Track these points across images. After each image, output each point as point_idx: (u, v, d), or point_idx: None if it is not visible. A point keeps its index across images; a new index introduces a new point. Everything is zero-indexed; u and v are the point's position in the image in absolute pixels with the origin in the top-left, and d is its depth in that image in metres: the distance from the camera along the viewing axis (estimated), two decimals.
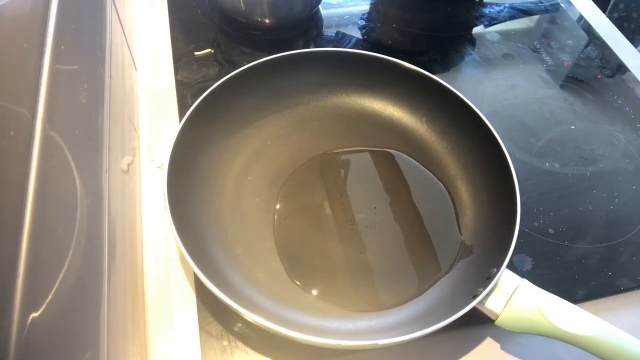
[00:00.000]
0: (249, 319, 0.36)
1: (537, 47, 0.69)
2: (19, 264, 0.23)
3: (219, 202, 0.47)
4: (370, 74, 0.54)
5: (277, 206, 0.48)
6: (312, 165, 0.52)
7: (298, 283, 0.44)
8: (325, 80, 0.55)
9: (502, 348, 0.43)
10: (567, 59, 0.68)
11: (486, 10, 0.74)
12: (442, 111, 0.53)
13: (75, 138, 0.33)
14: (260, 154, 0.52)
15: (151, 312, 0.43)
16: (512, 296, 0.39)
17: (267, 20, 0.64)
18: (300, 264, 0.45)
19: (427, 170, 0.52)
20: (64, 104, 0.32)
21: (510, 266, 0.40)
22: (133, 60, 0.60)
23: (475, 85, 0.64)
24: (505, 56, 0.68)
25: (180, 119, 0.46)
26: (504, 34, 0.71)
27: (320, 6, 0.70)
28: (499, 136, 0.47)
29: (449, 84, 0.51)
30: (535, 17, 0.75)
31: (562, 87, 0.65)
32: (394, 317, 0.42)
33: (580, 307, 0.38)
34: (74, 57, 0.36)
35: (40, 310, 0.23)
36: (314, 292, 0.43)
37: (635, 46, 0.67)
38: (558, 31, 0.73)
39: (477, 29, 0.71)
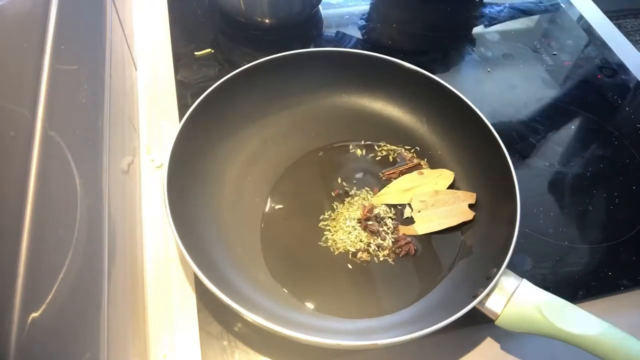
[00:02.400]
0: (249, 319, 0.36)
1: (537, 47, 0.69)
2: (19, 264, 0.23)
3: (218, 202, 0.47)
4: (370, 74, 0.54)
5: (278, 206, 0.48)
6: (312, 165, 0.52)
7: (286, 291, 0.43)
8: (325, 80, 0.55)
9: (502, 348, 0.43)
10: (567, 59, 0.68)
11: (486, 10, 0.74)
12: (442, 111, 0.53)
13: (75, 138, 0.33)
14: (260, 154, 0.51)
15: (151, 312, 0.43)
16: (512, 296, 0.39)
17: (267, 20, 0.64)
18: (295, 269, 0.45)
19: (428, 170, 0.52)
20: (64, 104, 0.32)
21: (510, 266, 0.40)
22: (133, 60, 0.60)
23: (475, 85, 0.64)
24: (505, 56, 0.68)
25: (180, 119, 0.46)
26: (504, 34, 0.71)
27: (320, 6, 0.70)
28: (499, 136, 0.47)
29: (449, 84, 0.51)
30: (535, 17, 0.75)
31: (562, 87, 0.65)
32: (394, 317, 0.42)
33: (580, 307, 0.38)
34: (74, 57, 0.36)
35: (40, 310, 0.23)
36: (310, 305, 0.43)
37: None
38: (558, 31, 0.73)
39: (477, 29, 0.71)
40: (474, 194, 0.48)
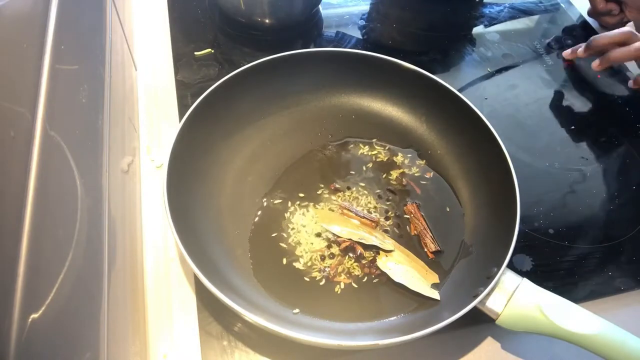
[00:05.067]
0: (248, 320, 0.36)
1: (537, 47, 0.69)
2: (19, 264, 0.23)
3: (218, 203, 0.47)
4: (370, 74, 0.54)
5: (278, 207, 0.48)
6: (312, 165, 0.52)
7: (285, 292, 0.43)
8: (325, 80, 0.55)
9: (502, 347, 0.43)
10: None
11: (486, 10, 0.74)
12: (442, 111, 0.53)
13: (75, 138, 0.33)
14: (260, 154, 0.51)
15: (151, 312, 0.43)
16: (513, 295, 0.39)
17: (267, 21, 0.64)
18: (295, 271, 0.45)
19: (431, 170, 0.52)
20: (64, 104, 0.32)
21: (511, 266, 0.40)
22: (133, 60, 0.60)
23: (475, 85, 0.64)
24: (505, 56, 0.68)
25: (180, 119, 0.46)
26: (504, 34, 0.71)
27: (320, 6, 0.70)
28: (499, 136, 0.47)
29: (449, 84, 0.51)
30: (535, 17, 0.75)
31: (562, 87, 0.65)
32: (394, 318, 0.42)
33: (581, 307, 0.38)
34: (74, 57, 0.36)
35: (40, 311, 0.23)
36: (310, 306, 0.43)
37: None
38: (558, 31, 0.73)
39: (477, 29, 0.71)
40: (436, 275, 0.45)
